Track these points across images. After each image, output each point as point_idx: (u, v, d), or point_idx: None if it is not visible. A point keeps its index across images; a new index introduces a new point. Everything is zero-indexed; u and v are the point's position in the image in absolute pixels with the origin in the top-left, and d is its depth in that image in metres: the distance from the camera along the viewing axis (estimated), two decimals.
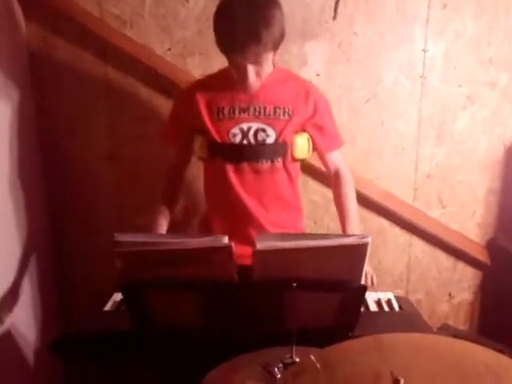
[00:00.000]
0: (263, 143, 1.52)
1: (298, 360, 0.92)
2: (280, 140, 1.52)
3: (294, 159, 1.58)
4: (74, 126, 2.04)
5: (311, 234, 1.41)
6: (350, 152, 2.05)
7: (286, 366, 0.93)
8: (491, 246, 2.20)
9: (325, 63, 1.97)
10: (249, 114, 1.51)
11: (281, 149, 1.53)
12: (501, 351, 0.75)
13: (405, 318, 1.43)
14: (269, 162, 1.54)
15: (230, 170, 1.54)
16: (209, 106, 1.54)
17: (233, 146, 1.52)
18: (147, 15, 1.91)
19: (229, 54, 1.42)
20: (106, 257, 1.85)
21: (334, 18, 1.73)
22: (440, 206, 2.16)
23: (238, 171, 1.55)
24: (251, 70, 1.41)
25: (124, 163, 2.08)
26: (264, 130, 1.51)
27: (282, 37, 1.43)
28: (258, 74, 1.44)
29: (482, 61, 2.00)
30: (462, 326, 2.33)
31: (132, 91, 2.00)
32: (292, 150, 1.55)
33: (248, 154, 1.53)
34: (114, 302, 1.55)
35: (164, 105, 1.99)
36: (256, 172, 1.55)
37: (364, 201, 2.11)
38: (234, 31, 1.34)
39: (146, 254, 1.07)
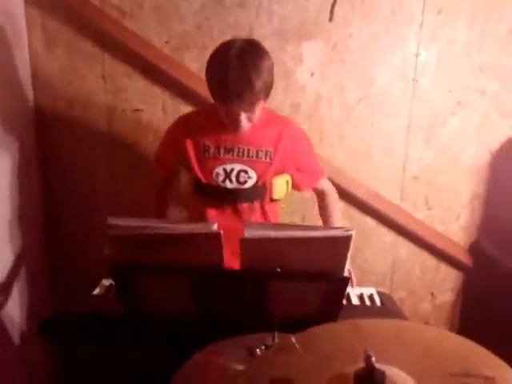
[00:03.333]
0: (244, 186, 1.58)
1: None
2: (260, 183, 1.59)
3: (272, 200, 1.65)
4: (71, 113, 2.06)
5: (298, 225, 1.46)
6: (339, 151, 2.10)
7: (267, 347, 0.96)
8: (474, 249, 2.26)
9: (319, 63, 2.01)
10: (233, 155, 1.57)
11: (259, 191, 1.60)
12: None
13: (385, 313, 1.46)
14: (247, 203, 1.61)
15: (209, 208, 1.61)
16: (195, 144, 1.59)
17: (215, 188, 1.58)
18: (147, 7, 1.94)
19: (224, 105, 1.45)
20: (95, 241, 1.88)
21: (330, 19, 1.77)
22: (426, 208, 2.20)
23: (217, 210, 1.61)
24: (244, 116, 1.46)
25: (120, 151, 2.11)
26: (246, 172, 1.57)
27: (272, 84, 1.48)
28: (249, 120, 1.49)
29: (472, 67, 2.04)
30: (443, 327, 2.38)
31: (129, 82, 2.02)
32: (270, 192, 1.62)
33: (229, 196, 1.60)
34: (103, 286, 1.57)
35: (160, 96, 2.02)
36: (235, 213, 1.61)
37: (352, 200, 2.15)
38: (227, 83, 1.38)
39: (138, 237, 1.10)
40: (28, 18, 1.95)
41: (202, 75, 1.95)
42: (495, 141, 2.14)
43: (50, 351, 2.09)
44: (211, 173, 1.58)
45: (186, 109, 2.02)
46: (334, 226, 1.68)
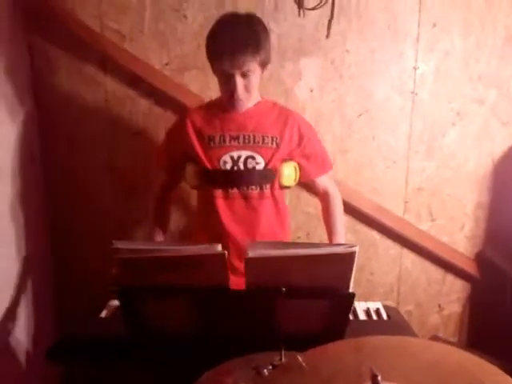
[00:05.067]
0: (253, 169, 1.58)
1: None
2: (269, 167, 1.59)
3: (281, 187, 1.65)
4: (75, 137, 2.09)
5: (302, 243, 1.46)
6: (342, 165, 2.11)
7: (275, 367, 0.96)
8: (480, 258, 2.25)
9: (318, 79, 2.03)
10: (239, 142, 1.58)
11: (270, 175, 1.60)
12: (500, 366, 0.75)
13: (392, 326, 1.46)
14: (258, 188, 1.60)
15: (219, 196, 1.60)
16: (200, 135, 1.61)
17: (224, 172, 1.58)
18: (146, 30, 1.97)
19: (218, 62, 1.49)
20: (102, 264, 1.89)
21: (327, 36, 1.79)
22: (430, 219, 2.20)
23: (227, 198, 1.60)
24: (240, 81, 1.49)
25: (123, 175, 2.12)
26: (253, 158, 1.58)
27: (268, 54, 1.53)
28: (246, 88, 1.52)
29: (470, 78, 2.06)
30: (452, 338, 2.37)
31: (131, 104, 2.05)
32: (279, 178, 1.62)
33: (238, 179, 1.59)
34: (110, 308, 1.57)
35: (162, 118, 2.04)
36: (245, 199, 1.60)
37: (356, 214, 2.16)
38: (223, 41, 1.46)
39: (144, 260, 1.11)
40: (30, 45, 1.98)
41: (203, 95, 2.00)
42: (497, 149, 2.15)
43: (57, 373, 2.10)
44: (218, 161, 1.58)
45: None
46: (337, 236, 1.67)
